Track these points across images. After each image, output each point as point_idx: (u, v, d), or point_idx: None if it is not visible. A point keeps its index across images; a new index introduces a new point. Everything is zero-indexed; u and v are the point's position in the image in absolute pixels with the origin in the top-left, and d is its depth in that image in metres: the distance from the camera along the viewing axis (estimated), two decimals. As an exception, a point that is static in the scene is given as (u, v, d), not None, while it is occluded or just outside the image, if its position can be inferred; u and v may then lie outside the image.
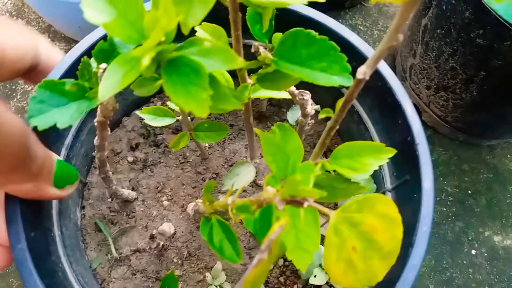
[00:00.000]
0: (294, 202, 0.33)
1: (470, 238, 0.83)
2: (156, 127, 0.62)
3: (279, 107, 0.64)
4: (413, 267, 0.43)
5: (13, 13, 0.91)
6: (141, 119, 0.62)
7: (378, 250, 0.30)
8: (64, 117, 0.35)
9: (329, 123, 0.41)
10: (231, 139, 0.62)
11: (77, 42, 0.85)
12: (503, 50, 0.63)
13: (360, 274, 0.31)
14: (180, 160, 0.60)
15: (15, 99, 0.83)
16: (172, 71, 0.32)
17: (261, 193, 0.37)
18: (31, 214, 0.43)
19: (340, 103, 0.39)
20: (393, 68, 0.93)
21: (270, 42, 0.44)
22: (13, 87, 0.84)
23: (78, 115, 0.35)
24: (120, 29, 0.31)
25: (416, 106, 0.88)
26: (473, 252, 0.82)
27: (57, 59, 0.45)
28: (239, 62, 0.33)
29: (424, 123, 0.89)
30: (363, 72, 0.34)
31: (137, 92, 0.39)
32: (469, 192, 0.87)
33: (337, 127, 0.41)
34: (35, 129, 0.35)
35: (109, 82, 0.30)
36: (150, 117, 0.48)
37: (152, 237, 0.53)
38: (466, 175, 0.88)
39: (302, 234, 0.40)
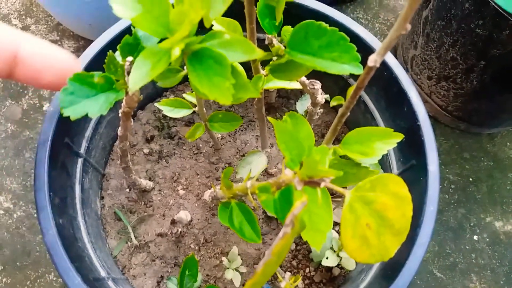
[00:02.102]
0: (312, 182, 0.35)
1: (472, 224, 0.85)
2: (170, 120, 0.64)
3: (287, 99, 0.67)
4: (421, 245, 0.45)
5: (21, 12, 0.93)
6: (155, 113, 0.64)
7: (390, 227, 0.33)
8: (94, 107, 0.37)
9: (340, 110, 0.44)
10: (242, 130, 0.64)
11: (86, 40, 0.88)
12: (502, 40, 0.65)
13: (374, 249, 0.33)
14: (193, 151, 0.62)
15: (26, 97, 0.85)
16: (196, 62, 0.34)
17: (280, 175, 0.39)
18: (58, 202, 0.46)
19: (351, 90, 0.42)
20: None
21: (279, 35, 0.46)
22: (24, 84, 0.86)
23: (107, 105, 0.37)
24: (147, 24, 0.33)
25: (417, 97, 0.90)
26: (475, 237, 0.85)
27: (44, 57, 0.42)
28: (258, 52, 0.35)
29: (425, 113, 0.92)
30: (373, 60, 0.37)
31: (160, 84, 0.41)
32: (471, 179, 0.89)
33: (348, 113, 0.44)
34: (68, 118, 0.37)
35: (139, 73, 0.32)
36: (168, 109, 0.50)
37: (173, 221, 0.55)
38: (467, 163, 0.90)
39: (315, 216, 0.42)
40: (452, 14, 0.71)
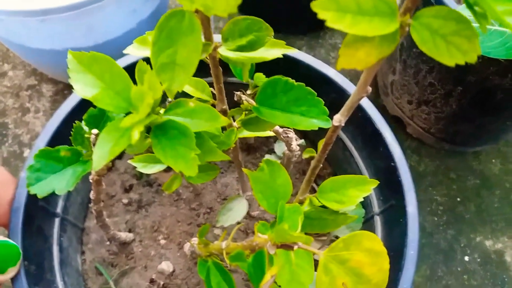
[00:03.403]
0: (285, 246, 0.35)
1: (462, 245, 0.85)
2: (149, 168, 0.63)
3: (266, 138, 0.67)
4: (403, 291, 0.45)
5: (-2, 58, 0.93)
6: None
7: (367, 282, 0.32)
8: (61, 183, 0.37)
9: (312, 163, 0.44)
10: (222, 173, 0.64)
11: (65, 84, 0.87)
12: (475, 67, 0.65)
13: (352, 306, 0.33)
14: (173, 198, 0.62)
15: (6, 144, 0.85)
16: (160, 135, 0.34)
17: (253, 238, 0.39)
18: (34, 269, 0.45)
19: (321, 143, 0.42)
20: (376, 84, 0.95)
21: (252, 78, 0.46)
22: (4, 132, 0.86)
23: (74, 180, 0.37)
24: (108, 100, 0.33)
25: (400, 119, 0.90)
26: (466, 258, 0.85)
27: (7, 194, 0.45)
28: (222, 120, 0.35)
29: (409, 135, 0.92)
30: (338, 120, 0.37)
31: (127, 151, 0.41)
32: (458, 199, 0.89)
33: (320, 166, 0.43)
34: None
35: (102, 151, 0.31)
36: (141, 165, 0.49)
37: (152, 281, 0.54)
38: (454, 183, 0.90)
39: (297, 267, 0.41)
40: (426, 42, 0.71)
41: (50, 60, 0.75)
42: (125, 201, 0.61)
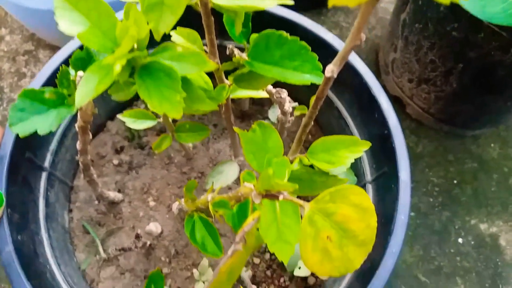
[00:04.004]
0: (270, 196, 0.34)
1: (457, 227, 0.84)
2: (140, 130, 0.63)
3: (261, 106, 0.66)
4: (392, 254, 0.44)
5: (-3, 22, 0.92)
6: (125, 123, 0.63)
7: (353, 238, 0.32)
8: (44, 124, 0.36)
9: (304, 120, 0.43)
10: (215, 139, 0.63)
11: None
12: (477, 42, 0.64)
13: (336, 262, 0.32)
14: (165, 161, 0.61)
15: (1, 108, 0.84)
16: (146, 76, 0.33)
17: (239, 189, 0.38)
18: (18, 218, 0.45)
19: (313, 100, 0.41)
20: (377, 63, 0.94)
21: (248, 42, 0.45)
22: None
23: (58, 121, 0.36)
24: (94, 39, 0.32)
25: (400, 99, 0.89)
26: (460, 240, 0.84)
27: None
28: (211, 64, 0.35)
29: (408, 116, 0.91)
30: (330, 70, 0.36)
31: (114, 97, 0.40)
32: (455, 182, 0.88)
33: (312, 123, 0.42)
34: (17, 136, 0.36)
35: (85, 89, 0.31)
36: (131, 120, 0.49)
37: (137, 236, 0.54)
38: (452, 165, 0.89)
39: (283, 226, 0.41)
40: (429, 17, 0.70)
41: (47, 22, 0.74)
42: (115, 162, 0.60)
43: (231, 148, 0.62)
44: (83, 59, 0.38)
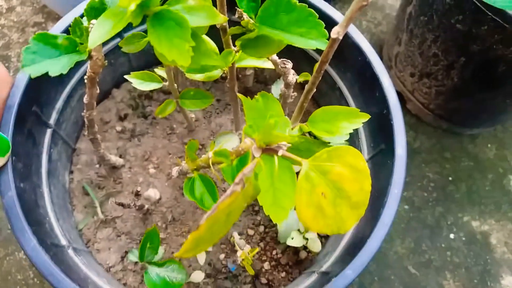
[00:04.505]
0: (269, 150, 0.35)
1: (449, 223, 0.85)
2: (145, 99, 0.64)
3: (265, 84, 0.67)
4: (384, 226, 0.45)
5: (8, -6, 0.93)
6: (131, 91, 0.64)
7: (346, 198, 0.32)
8: (56, 67, 0.37)
9: (306, 86, 0.44)
10: (217, 113, 0.64)
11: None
12: (481, 35, 0.65)
13: (329, 219, 0.33)
14: (167, 132, 0.62)
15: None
16: (157, 24, 0.34)
17: (240, 144, 0.39)
18: (21, 167, 0.45)
19: (317, 66, 0.42)
20: (380, 58, 0.95)
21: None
22: (6, 64, 0.86)
23: (69, 65, 0.37)
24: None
25: (401, 94, 0.91)
26: (452, 236, 0.85)
27: None
28: (221, 18, 0.36)
29: (408, 112, 0.92)
30: (336, 31, 0.37)
31: (125, 49, 0.41)
32: (450, 178, 0.89)
33: (314, 90, 0.43)
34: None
35: (99, 31, 0.32)
36: (137, 81, 0.50)
37: (137, 194, 0.55)
38: (448, 162, 0.90)
39: (279, 192, 0.42)
40: (434, 10, 0.71)
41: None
42: (118, 128, 0.61)
43: (232, 123, 0.63)
44: (97, 8, 0.39)
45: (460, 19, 0.67)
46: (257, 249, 0.52)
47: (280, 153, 0.34)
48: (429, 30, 0.74)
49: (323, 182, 0.33)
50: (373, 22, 1.00)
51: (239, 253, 0.40)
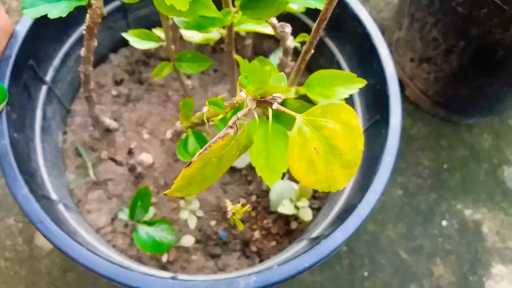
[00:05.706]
0: (264, 101, 0.35)
1: (442, 210, 0.85)
2: (142, 66, 0.64)
3: (263, 55, 0.67)
4: (375, 192, 0.45)
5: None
6: (128, 57, 0.64)
7: (338, 156, 0.32)
8: (55, 10, 0.37)
9: (304, 46, 0.43)
10: (214, 83, 0.64)
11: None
12: (480, 18, 0.65)
13: (321, 175, 0.32)
14: (162, 99, 0.62)
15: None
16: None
17: (235, 97, 0.39)
18: (16, 118, 0.45)
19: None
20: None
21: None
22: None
23: (68, 9, 0.37)
24: None
25: (399, 81, 0.90)
26: (444, 223, 0.85)
27: None
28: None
29: (407, 98, 0.92)
30: (335, -14, 0.37)
31: (126, -1, 0.41)
32: (445, 167, 0.89)
33: (312, 50, 0.43)
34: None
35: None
36: (135, 39, 0.49)
37: (130, 152, 0.54)
38: (444, 150, 0.90)
39: (272, 155, 0.42)
40: (436, -8, 0.72)
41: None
42: (114, 93, 0.61)
43: (229, 93, 0.63)
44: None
45: (461, 2, 0.67)
46: (248, 207, 0.52)
47: (274, 106, 0.34)
48: (430, 14, 0.74)
49: (315, 137, 0.32)
50: (375, 8, 1.00)
51: (229, 207, 0.40)
